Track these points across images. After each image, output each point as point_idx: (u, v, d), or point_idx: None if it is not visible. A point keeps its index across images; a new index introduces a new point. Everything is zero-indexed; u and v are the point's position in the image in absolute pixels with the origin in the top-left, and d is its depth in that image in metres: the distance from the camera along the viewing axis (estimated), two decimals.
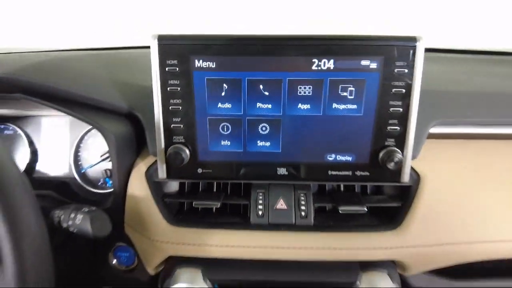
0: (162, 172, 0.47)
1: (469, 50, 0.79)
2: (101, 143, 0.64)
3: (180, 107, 0.44)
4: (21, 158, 0.65)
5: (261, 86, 0.43)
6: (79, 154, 0.64)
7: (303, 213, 0.46)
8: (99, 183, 0.63)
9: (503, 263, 0.50)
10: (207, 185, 0.51)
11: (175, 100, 0.44)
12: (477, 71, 0.67)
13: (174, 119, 0.45)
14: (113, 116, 0.49)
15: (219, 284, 0.45)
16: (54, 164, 0.65)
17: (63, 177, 0.63)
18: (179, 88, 0.43)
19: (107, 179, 0.63)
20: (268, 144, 0.46)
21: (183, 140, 0.45)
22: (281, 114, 0.44)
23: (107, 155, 0.62)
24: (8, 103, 0.62)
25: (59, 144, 0.65)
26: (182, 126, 0.45)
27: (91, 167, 0.64)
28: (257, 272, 0.45)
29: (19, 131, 0.65)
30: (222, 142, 0.46)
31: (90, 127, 0.63)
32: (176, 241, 0.45)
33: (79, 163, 0.64)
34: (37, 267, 0.31)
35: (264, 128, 0.45)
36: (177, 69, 0.42)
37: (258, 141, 0.46)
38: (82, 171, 0.64)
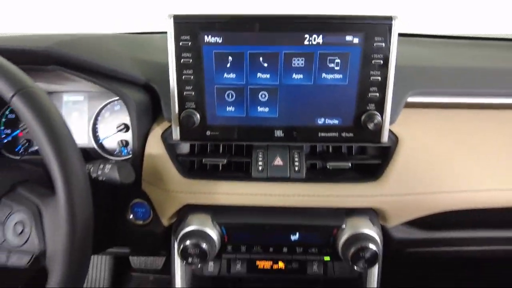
0: (176, 134, 0.54)
1: (446, 35, 0.87)
2: (117, 116, 0.71)
3: (192, 77, 0.52)
4: None
5: (261, 59, 0.51)
6: (96, 126, 0.72)
7: (296, 168, 0.54)
8: (115, 152, 0.71)
9: (476, 216, 0.58)
10: (214, 147, 0.59)
11: (187, 71, 0.51)
12: (453, 52, 0.75)
13: (186, 88, 0.52)
14: (134, 87, 0.57)
15: (226, 227, 0.52)
16: (75, 135, 0.73)
17: (83, 147, 0.71)
18: (190, 60, 0.51)
19: (122, 148, 0.71)
20: (266, 110, 0.53)
21: (194, 106, 0.53)
22: (278, 83, 0.52)
23: (122, 126, 0.70)
24: (36, 80, 0.69)
25: (78, 118, 0.73)
26: (193, 93, 0.52)
27: (107, 137, 0.71)
28: (258, 216, 0.53)
29: None
30: (227, 108, 0.54)
31: (107, 102, 0.71)
32: (189, 191, 0.53)
33: (97, 134, 0.72)
34: (82, 202, 0.38)
35: (263, 96, 0.53)
36: (189, 43, 0.50)
37: (258, 107, 0.53)
38: (100, 141, 0.71)
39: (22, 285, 0.54)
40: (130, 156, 0.62)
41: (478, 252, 0.67)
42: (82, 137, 0.72)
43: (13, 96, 0.37)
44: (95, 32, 0.78)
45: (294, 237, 0.53)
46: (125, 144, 0.70)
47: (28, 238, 0.38)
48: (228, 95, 0.53)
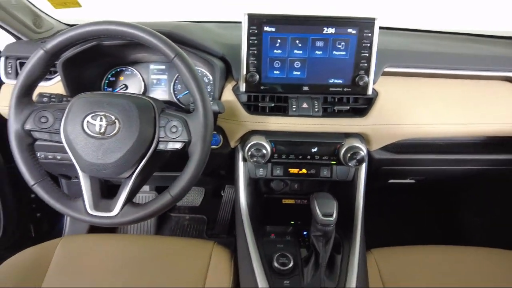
0: (242, 88, 0.88)
1: (420, 29, 1.23)
2: None
3: (255, 51, 0.85)
4: (138, 89, 1.05)
5: (297, 41, 0.85)
6: (175, 87, 1.05)
7: (316, 109, 0.88)
8: (188, 104, 1.05)
9: (426, 144, 0.94)
10: (262, 98, 0.92)
11: (252, 48, 0.85)
12: (421, 41, 1.10)
13: (251, 58, 0.86)
14: (216, 58, 0.90)
15: (274, 142, 0.87)
16: (160, 93, 1.06)
17: (166, 100, 1.04)
18: (255, 41, 0.84)
19: None
20: (299, 73, 0.88)
21: (255, 70, 0.87)
22: (307, 56, 0.86)
23: None
24: (134, 52, 1.01)
25: (162, 81, 1.06)
26: (255, 62, 0.86)
27: (183, 95, 1.05)
28: (293, 136, 0.88)
29: (136, 71, 1.05)
30: (274, 72, 0.88)
31: None
32: (252, 121, 0.87)
33: (175, 92, 1.05)
34: (210, 116, 0.70)
35: (297, 64, 0.87)
36: (256, 31, 0.84)
37: (294, 71, 0.88)
38: (178, 97, 1.05)
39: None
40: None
41: (429, 171, 1.03)
42: (165, 95, 1.06)
43: (174, 57, 0.70)
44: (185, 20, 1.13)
45: (314, 149, 0.88)
46: None
47: (180, 134, 0.71)
48: (275, 63, 0.87)
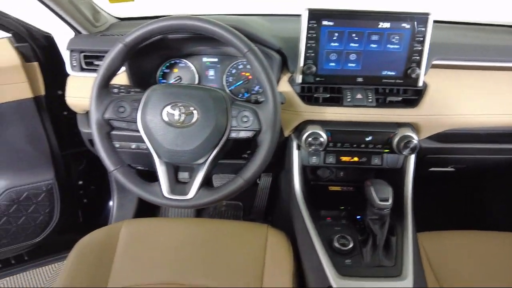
0: (298, 79, 0.93)
1: (461, 21, 1.26)
2: (239, 72, 1.09)
3: (313, 44, 0.90)
4: (191, 81, 1.10)
5: (353, 35, 0.89)
6: (227, 78, 1.10)
7: (369, 100, 0.93)
8: (239, 96, 1.10)
9: (470, 134, 0.98)
10: (316, 89, 0.97)
11: (310, 41, 0.89)
12: (467, 34, 1.14)
13: (308, 51, 0.90)
14: (273, 51, 0.95)
15: (330, 132, 0.92)
16: (212, 84, 1.11)
17: None
18: (314, 35, 0.89)
19: (245, 93, 1.09)
20: (354, 65, 0.92)
21: (311, 62, 0.91)
22: (362, 49, 0.90)
23: (245, 78, 1.08)
24: (191, 45, 1.06)
25: (214, 73, 1.11)
26: (312, 54, 0.91)
27: (235, 86, 1.10)
28: (348, 126, 0.93)
29: (189, 64, 1.10)
30: (330, 64, 0.92)
31: (234, 62, 1.09)
32: (307, 111, 0.92)
33: (227, 84, 1.10)
34: (279, 106, 0.76)
35: (352, 56, 0.91)
36: (315, 25, 0.88)
37: (349, 63, 0.92)
38: (230, 89, 1.10)
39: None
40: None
41: (471, 160, 1.08)
42: (216, 86, 1.11)
43: (247, 51, 0.75)
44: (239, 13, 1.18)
45: (368, 138, 0.93)
46: (247, 90, 1.09)
47: (251, 124, 0.77)
48: (332, 55, 0.91)
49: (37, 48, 1.13)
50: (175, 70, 1.10)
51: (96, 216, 1.55)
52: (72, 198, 1.38)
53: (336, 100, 0.94)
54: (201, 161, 0.78)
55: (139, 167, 1.28)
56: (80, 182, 1.43)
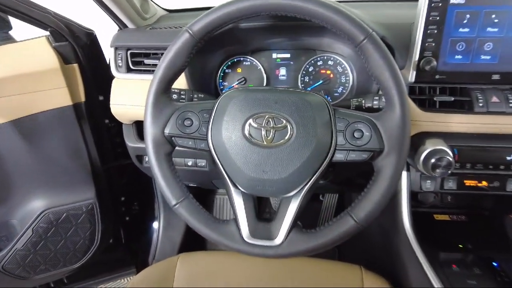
0: (411, 77, 0.70)
1: None
2: (318, 69, 0.87)
3: (434, 31, 0.66)
4: (258, 82, 0.90)
5: (493, 16, 0.65)
6: (302, 78, 0.88)
7: (510, 105, 0.68)
8: None
9: None
10: (433, 90, 0.73)
11: (431, 27, 0.66)
12: None
13: (428, 40, 0.67)
14: None
15: (457, 148, 0.68)
16: (283, 85, 0.90)
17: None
18: (437, 18, 0.65)
19: (325, 96, 0.87)
20: (488, 57, 0.68)
21: (431, 54, 0.68)
22: (503, 35, 0.66)
23: (325, 77, 0.86)
24: (263, 37, 0.86)
25: (286, 71, 0.90)
26: (433, 44, 0.67)
27: (312, 87, 0.88)
28: (483, 140, 0.68)
29: (256, 62, 0.90)
30: (456, 56, 0.68)
31: (312, 58, 0.87)
32: (423, 119, 0.69)
33: (303, 85, 0.88)
34: (408, 113, 0.54)
35: (488, 46, 0.67)
36: (439, 4, 0.64)
37: (481, 56, 0.68)
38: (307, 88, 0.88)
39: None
40: None
41: None
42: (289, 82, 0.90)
43: (364, 39, 0.53)
44: None
45: (510, 157, 0.68)
46: (326, 93, 0.87)
47: (367, 141, 0.54)
48: (458, 46, 0.67)
49: (77, 48, 0.96)
50: (239, 70, 0.90)
51: (139, 235, 1.38)
52: (115, 217, 1.22)
53: (462, 105, 0.70)
54: (293, 192, 0.57)
55: (191, 185, 1.09)
56: (122, 199, 1.27)
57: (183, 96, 0.72)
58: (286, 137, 0.54)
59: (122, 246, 1.33)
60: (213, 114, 0.58)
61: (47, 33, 0.91)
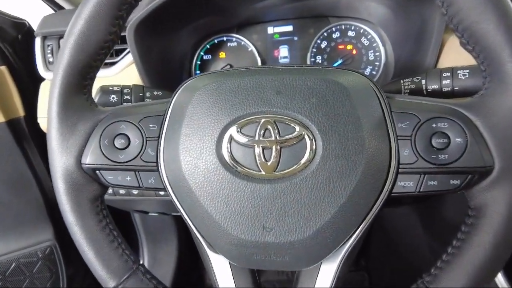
0: None
1: None
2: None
3: None
4: (251, 64, 0.64)
5: None
6: (313, 58, 0.63)
7: None
8: None
9: None
10: None
11: None
12: None
13: None
14: None
15: None
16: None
17: None
18: None
19: None
20: None
21: None
22: None
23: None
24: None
25: (288, 51, 0.64)
26: None
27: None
28: None
29: (245, 41, 0.64)
30: None
31: (325, 28, 0.61)
32: None
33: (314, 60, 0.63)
34: None
35: None
36: None
37: None
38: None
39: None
40: None
41: None
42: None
43: None
44: None
45: None
46: None
47: (463, 153, 0.28)
48: None
49: (4, 44, 0.71)
50: (222, 54, 0.64)
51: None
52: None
53: None
54: (321, 261, 0.31)
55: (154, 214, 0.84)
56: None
57: (128, 97, 0.45)
58: (303, 160, 0.28)
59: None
60: (165, 124, 0.32)
61: None
